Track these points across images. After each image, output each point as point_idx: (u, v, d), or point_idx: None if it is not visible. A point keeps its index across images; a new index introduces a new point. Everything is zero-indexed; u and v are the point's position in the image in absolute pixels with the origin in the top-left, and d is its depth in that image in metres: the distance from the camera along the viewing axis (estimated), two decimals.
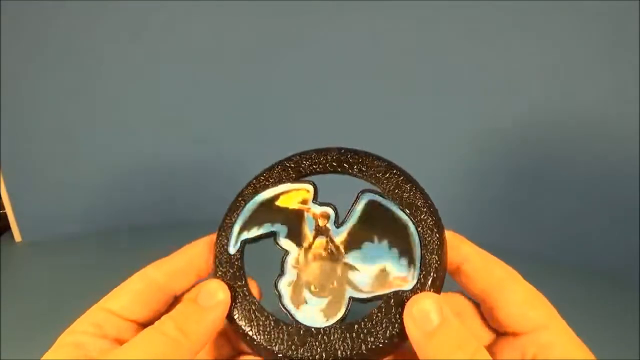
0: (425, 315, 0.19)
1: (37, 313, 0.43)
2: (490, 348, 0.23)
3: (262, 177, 0.24)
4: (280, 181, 0.24)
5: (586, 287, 0.50)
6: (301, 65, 0.56)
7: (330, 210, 0.23)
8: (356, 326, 0.21)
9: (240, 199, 0.24)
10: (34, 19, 0.51)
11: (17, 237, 0.57)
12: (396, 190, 0.23)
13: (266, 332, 0.22)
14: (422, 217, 0.22)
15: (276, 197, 0.24)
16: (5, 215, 0.56)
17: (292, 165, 0.24)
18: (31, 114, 0.54)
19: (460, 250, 0.23)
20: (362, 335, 0.21)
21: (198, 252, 0.24)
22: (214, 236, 0.24)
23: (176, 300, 0.24)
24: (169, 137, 0.59)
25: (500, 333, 0.23)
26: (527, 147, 0.53)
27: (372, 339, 0.21)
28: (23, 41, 0.52)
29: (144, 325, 0.22)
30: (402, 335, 0.21)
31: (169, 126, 0.58)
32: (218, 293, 0.22)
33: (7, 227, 0.57)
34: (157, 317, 0.22)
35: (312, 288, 0.22)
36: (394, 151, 0.58)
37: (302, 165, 0.24)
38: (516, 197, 0.55)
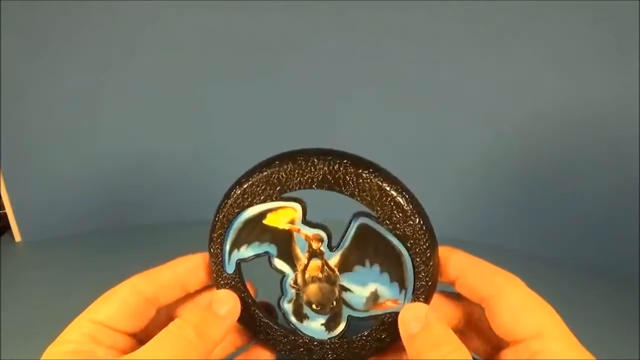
0: (410, 320, 0.22)
1: (37, 313, 0.43)
2: (498, 358, 0.23)
3: (243, 190, 0.23)
4: (265, 199, 0.23)
5: (586, 287, 0.50)
6: (307, 70, 0.56)
7: (323, 234, 0.23)
8: (355, 339, 0.24)
9: (222, 216, 0.23)
10: (34, 19, 0.51)
11: (17, 237, 0.57)
12: (391, 216, 0.22)
13: (273, 339, 0.25)
14: (416, 245, 0.22)
15: (262, 215, 0.23)
16: (5, 215, 0.56)
17: (275, 180, 0.22)
18: (31, 114, 0.54)
19: (455, 263, 0.23)
20: (358, 346, 0.24)
21: (188, 268, 0.25)
22: (204, 254, 0.25)
23: (159, 310, 0.25)
24: (169, 137, 0.59)
25: (505, 343, 0.23)
26: (528, 150, 0.53)
27: (371, 352, 0.24)
28: (23, 41, 0.52)
29: (129, 335, 0.23)
30: (396, 348, 0.24)
31: (168, 126, 0.58)
32: (230, 301, 0.24)
33: (7, 227, 0.57)
34: (143, 328, 0.24)
35: (314, 306, 0.24)
36: (403, 153, 0.57)
37: (287, 183, 0.22)
38: (518, 200, 0.55)
